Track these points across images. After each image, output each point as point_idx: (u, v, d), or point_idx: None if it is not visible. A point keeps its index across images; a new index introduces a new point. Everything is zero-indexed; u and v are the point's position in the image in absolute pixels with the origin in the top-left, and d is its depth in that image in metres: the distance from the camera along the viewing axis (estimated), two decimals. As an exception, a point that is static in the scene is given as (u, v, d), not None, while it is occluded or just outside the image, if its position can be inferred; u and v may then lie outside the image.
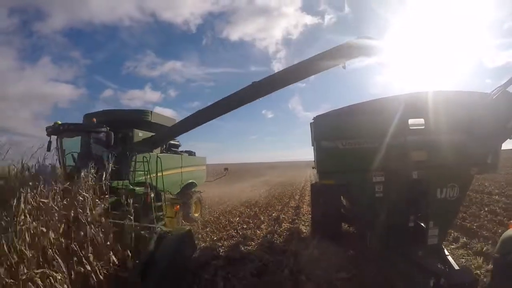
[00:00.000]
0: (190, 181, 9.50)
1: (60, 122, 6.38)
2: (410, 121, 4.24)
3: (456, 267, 3.88)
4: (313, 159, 5.14)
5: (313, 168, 5.29)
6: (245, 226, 7.91)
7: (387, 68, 5.42)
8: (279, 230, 7.30)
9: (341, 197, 6.05)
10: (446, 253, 4.24)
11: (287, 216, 9.14)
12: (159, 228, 4.15)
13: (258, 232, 7.24)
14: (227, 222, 8.54)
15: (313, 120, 4.97)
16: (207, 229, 7.70)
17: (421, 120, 4.24)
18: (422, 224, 4.37)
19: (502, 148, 4.00)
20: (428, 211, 4.23)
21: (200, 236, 6.88)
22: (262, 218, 8.93)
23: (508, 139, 3.91)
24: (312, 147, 5.06)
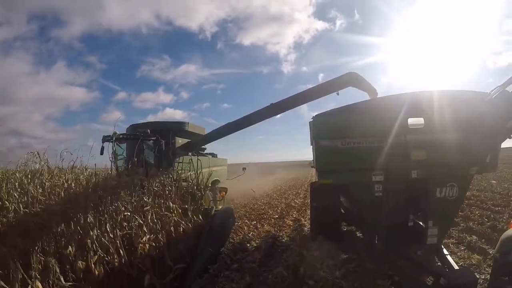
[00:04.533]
0: (215, 178, 10.32)
1: (118, 132, 7.66)
2: (410, 120, 4.21)
3: (456, 267, 3.85)
4: (312, 158, 5.16)
5: (312, 167, 5.28)
6: (279, 197, 13.44)
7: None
8: (300, 195, 13.57)
9: (340, 196, 5.83)
10: (446, 252, 4.20)
11: (303, 191, 15.26)
12: (214, 207, 6.00)
13: (289, 197, 13.33)
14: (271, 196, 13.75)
15: (312, 119, 4.99)
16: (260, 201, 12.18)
17: (421, 120, 4.21)
18: (422, 224, 4.34)
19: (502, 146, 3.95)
20: (428, 210, 4.20)
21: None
22: (289, 192, 15.44)
23: (508, 139, 3.85)
24: (311, 146, 5.06)
